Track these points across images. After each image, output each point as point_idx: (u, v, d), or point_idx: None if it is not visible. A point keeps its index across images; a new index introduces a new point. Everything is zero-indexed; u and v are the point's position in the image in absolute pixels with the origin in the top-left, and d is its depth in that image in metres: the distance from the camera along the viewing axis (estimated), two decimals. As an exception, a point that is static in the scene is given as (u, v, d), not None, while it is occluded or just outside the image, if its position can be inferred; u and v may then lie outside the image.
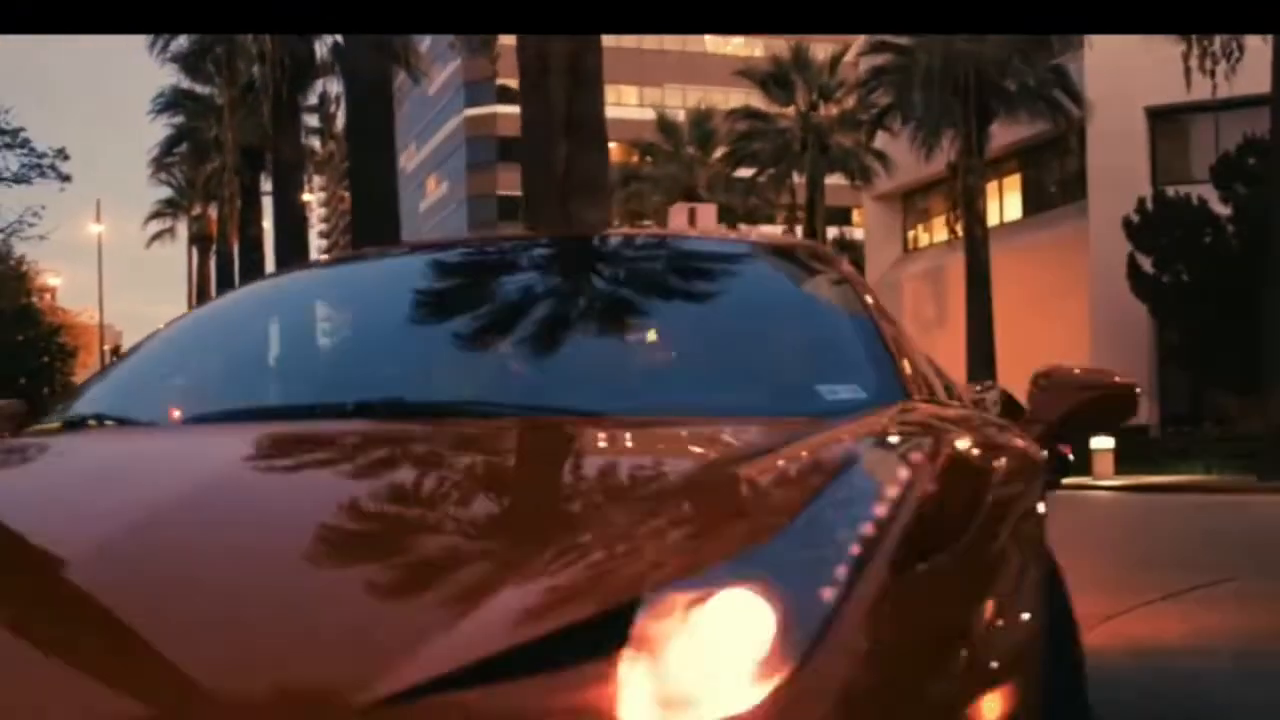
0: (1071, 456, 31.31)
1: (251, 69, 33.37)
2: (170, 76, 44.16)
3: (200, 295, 52.09)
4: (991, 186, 40.60)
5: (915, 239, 47.79)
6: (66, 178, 38.30)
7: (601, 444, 2.52)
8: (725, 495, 1.97)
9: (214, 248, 49.83)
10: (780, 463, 2.08)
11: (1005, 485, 2.21)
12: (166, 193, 56.51)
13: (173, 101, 44.16)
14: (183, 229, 57.93)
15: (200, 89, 41.44)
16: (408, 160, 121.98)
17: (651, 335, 3.19)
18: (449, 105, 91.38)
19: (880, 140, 43.98)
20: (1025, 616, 1.97)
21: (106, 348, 55.29)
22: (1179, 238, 30.79)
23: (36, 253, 74.96)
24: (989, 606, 1.90)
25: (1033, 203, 41.68)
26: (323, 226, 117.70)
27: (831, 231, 60.01)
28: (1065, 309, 36.63)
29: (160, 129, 56.50)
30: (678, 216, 14.55)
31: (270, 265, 35.71)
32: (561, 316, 3.20)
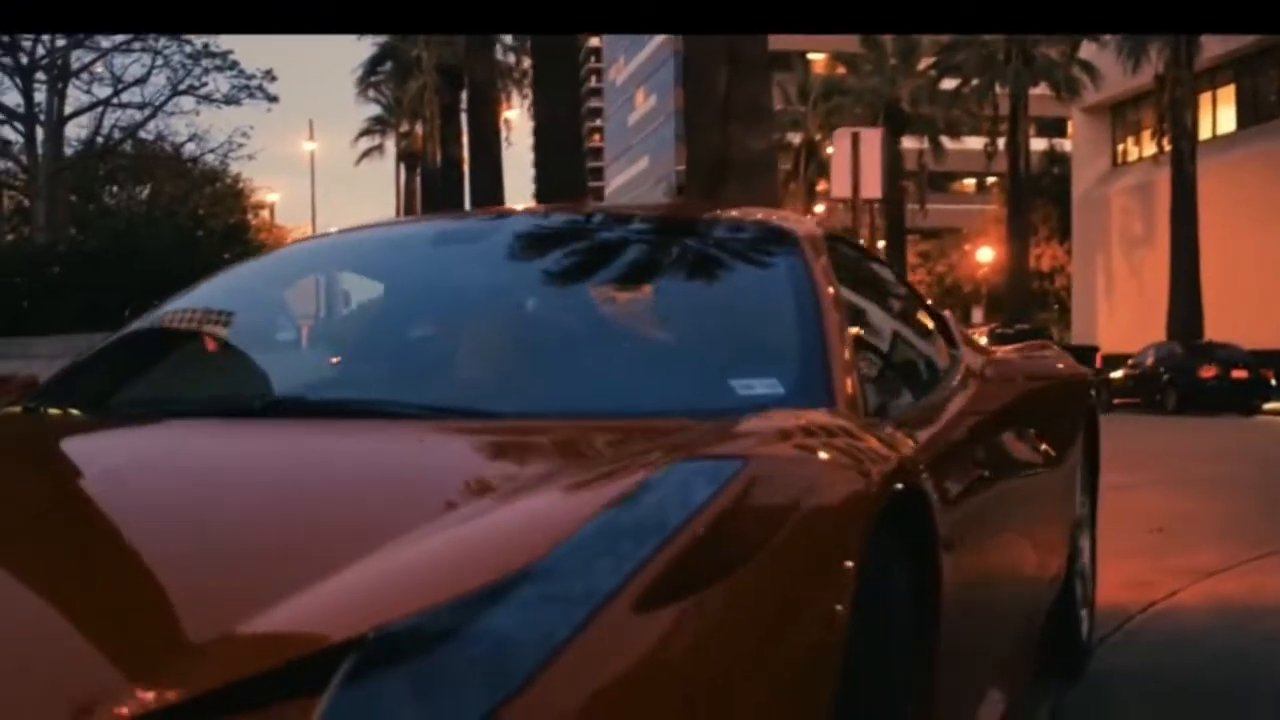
0: (1275, 381, 30.18)
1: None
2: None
3: (408, 210, 53.27)
4: (1204, 99, 39.02)
5: (1124, 153, 46.22)
6: (274, 98, 39.58)
7: (412, 456, 2.45)
8: (499, 521, 1.91)
9: (419, 165, 50.88)
10: (578, 484, 2.01)
11: (814, 516, 1.98)
12: (375, 110, 57.81)
13: (376, 22, 45.08)
14: (391, 146, 59.25)
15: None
16: (616, 74, 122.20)
17: (573, 325, 3.14)
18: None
19: (1088, 51, 42.58)
20: (808, 670, 1.84)
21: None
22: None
23: (251, 171, 77.65)
24: (757, 652, 1.76)
25: (1248, 115, 39.89)
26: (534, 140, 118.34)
27: (1041, 144, 58.42)
28: None
29: (366, 48, 57.72)
30: (841, 141, 14.39)
31: (468, 183, 36.26)
32: (482, 308, 3.19)
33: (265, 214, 61.27)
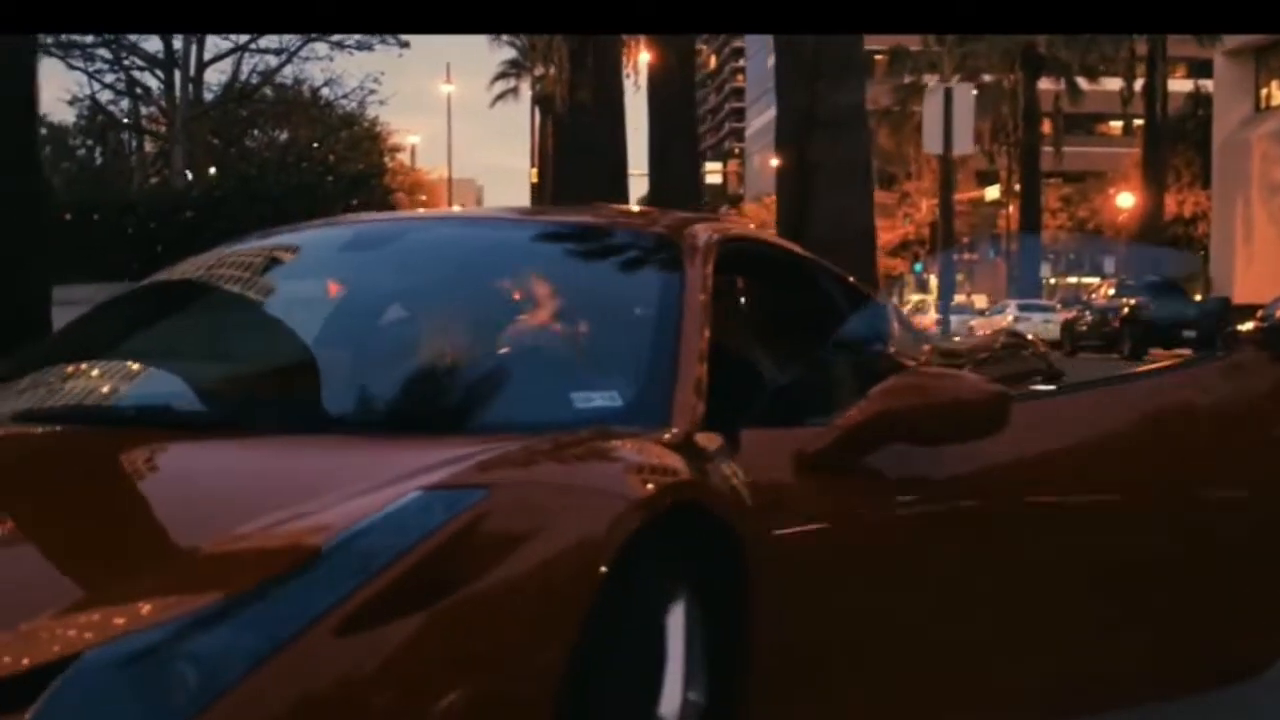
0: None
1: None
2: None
3: (541, 154, 53.63)
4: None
5: (1268, 97, 44.78)
6: (405, 44, 40.13)
7: (185, 473, 2.52)
8: (239, 544, 1.99)
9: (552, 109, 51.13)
10: (324, 508, 2.05)
11: (544, 552, 2.00)
12: (510, 54, 58.20)
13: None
14: (526, 89, 59.59)
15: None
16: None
17: (424, 336, 3.17)
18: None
19: (1231, -8, 41.23)
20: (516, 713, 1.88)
21: (455, 207, 57.82)
22: None
23: (386, 114, 78.67)
24: (461, 686, 1.83)
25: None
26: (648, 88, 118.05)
27: (1186, 85, 56.86)
28: None
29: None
30: (933, 98, 14.33)
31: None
32: (336, 319, 3.29)
33: (403, 157, 62.25)
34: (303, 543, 1.93)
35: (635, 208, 4.87)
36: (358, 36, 39.28)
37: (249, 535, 2.01)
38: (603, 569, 1.99)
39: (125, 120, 42.27)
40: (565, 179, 41.77)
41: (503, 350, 3.04)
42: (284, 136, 47.53)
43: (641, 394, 2.71)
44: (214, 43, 39.29)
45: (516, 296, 3.30)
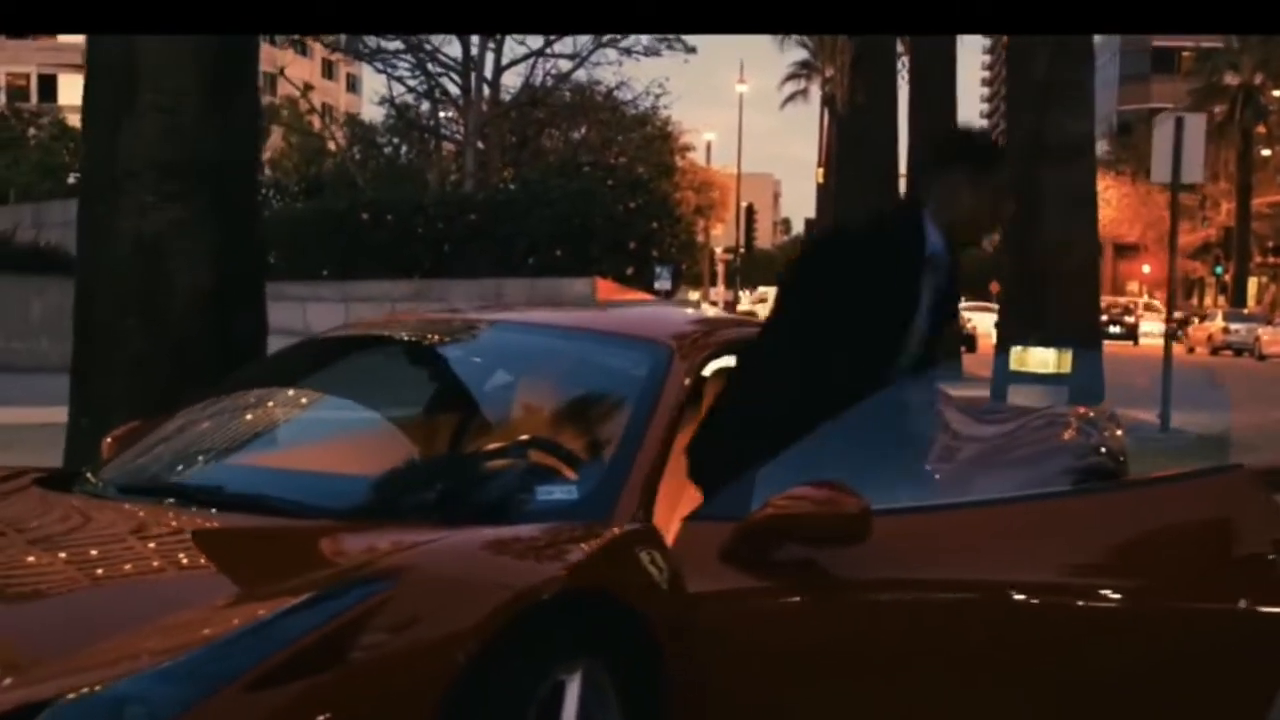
0: None
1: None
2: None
3: (827, 155, 53.98)
4: None
5: None
6: (692, 49, 41.16)
7: (162, 547, 3.07)
8: (189, 615, 2.47)
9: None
10: (271, 590, 2.53)
11: (421, 627, 2.42)
12: (801, 55, 58.82)
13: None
14: (816, 90, 60.10)
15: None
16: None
17: (414, 430, 3.77)
18: None
19: None
20: None
21: (744, 203, 58.65)
22: None
23: (682, 112, 79.93)
24: None
25: None
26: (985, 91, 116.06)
27: None
28: None
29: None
30: (1163, 126, 14.35)
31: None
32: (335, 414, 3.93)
33: (697, 154, 63.41)
34: (242, 617, 2.44)
35: (641, 304, 5.20)
36: (645, 43, 40.52)
37: (208, 609, 2.53)
38: (460, 658, 2.40)
39: (427, 122, 44.44)
40: (843, 180, 42.06)
41: (485, 446, 3.53)
42: (577, 135, 49.10)
43: (593, 490, 3.13)
44: (510, 48, 41.13)
45: (505, 397, 3.80)
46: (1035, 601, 3.34)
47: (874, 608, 3.20)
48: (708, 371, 3.76)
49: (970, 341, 32.53)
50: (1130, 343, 49.19)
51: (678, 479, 3.54)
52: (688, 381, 3.49)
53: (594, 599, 2.64)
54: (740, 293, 67.31)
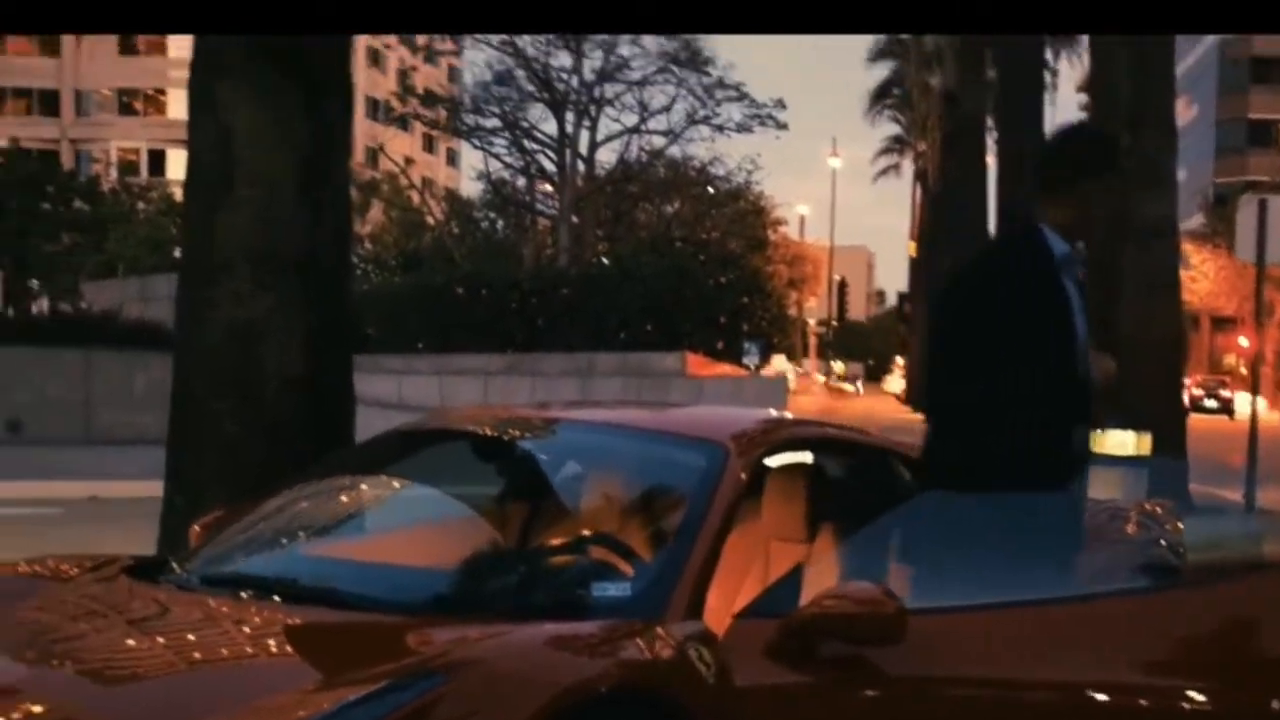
0: None
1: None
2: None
3: (920, 230, 54.01)
4: None
5: None
6: (783, 125, 41.55)
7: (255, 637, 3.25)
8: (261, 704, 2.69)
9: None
10: (345, 680, 2.74)
11: None
12: (894, 130, 59.03)
13: (886, 50, 46.58)
14: (908, 164, 60.26)
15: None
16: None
17: (483, 525, 3.99)
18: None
19: None
20: None
21: (837, 276, 58.80)
22: None
23: (774, 186, 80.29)
24: None
25: None
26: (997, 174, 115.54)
27: None
28: None
29: (878, 72, 58.84)
30: (1246, 207, 14.37)
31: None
32: (408, 507, 4.15)
33: (790, 228, 63.72)
34: (307, 708, 2.65)
35: (706, 408, 5.38)
36: (738, 119, 40.97)
37: (273, 702, 2.73)
38: None
39: (523, 198, 45.18)
40: (935, 254, 42.03)
41: (549, 540, 3.73)
42: (670, 210, 49.59)
43: (646, 587, 3.28)
44: (605, 125, 41.79)
45: (571, 492, 3.98)
46: (1093, 699, 3.44)
47: (919, 705, 3.30)
48: (774, 463, 3.95)
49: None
50: (1226, 417, 48.44)
51: (730, 573, 3.68)
52: (744, 477, 3.63)
53: (645, 695, 2.81)
54: (833, 363, 67.16)
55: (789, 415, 4.70)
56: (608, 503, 3.80)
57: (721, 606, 3.45)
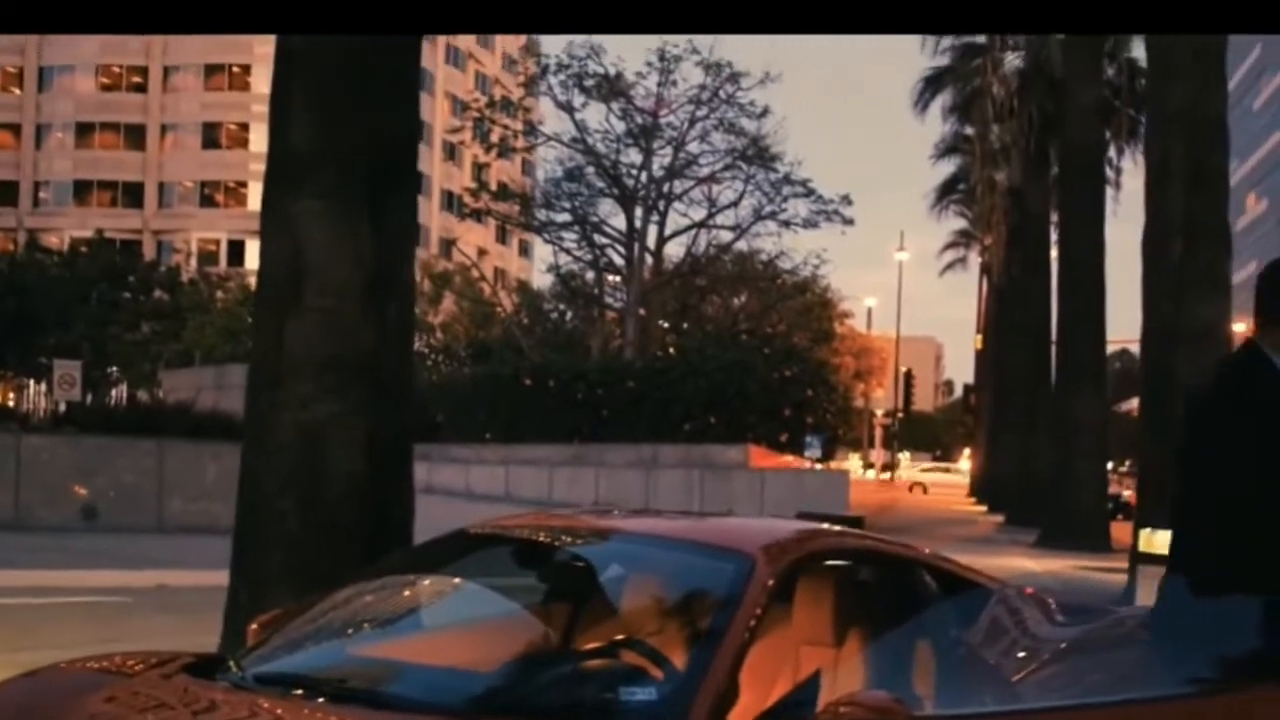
0: None
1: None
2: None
3: (985, 323, 53.98)
4: None
5: None
6: (849, 221, 41.85)
7: None
8: None
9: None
10: None
11: None
12: (960, 224, 59.22)
13: (951, 146, 46.89)
14: (974, 257, 60.35)
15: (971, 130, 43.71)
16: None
17: (522, 630, 4.14)
18: (1276, 119, 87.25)
19: None
20: None
21: (904, 367, 58.77)
22: None
23: (842, 278, 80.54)
24: None
25: None
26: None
27: None
28: None
29: (940, 170, 59.00)
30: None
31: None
32: (453, 611, 4.39)
33: (856, 321, 63.80)
34: None
35: (737, 518, 5.59)
36: (804, 215, 41.33)
37: None
38: None
39: (592, 290, 45.66)
40: (999, 346, 42.09)
41: (586, 644, 3.93)
42: (737, 302, 49.85)
43: (672, 692, 3.42)
44: (674, 220, 42.29)
45: (610, 598, 4.16)
46: None
47: None
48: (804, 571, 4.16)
49: (1128, 510, 32.15)
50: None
51: (759, 677, 3.89)
52: (771, 585, 3.79)
53: None
54: (900, 454, 66.82)
55: (824, 526, 4.89)
56: (644, 609, 3.98)
57: (751, 709, 3.60)
